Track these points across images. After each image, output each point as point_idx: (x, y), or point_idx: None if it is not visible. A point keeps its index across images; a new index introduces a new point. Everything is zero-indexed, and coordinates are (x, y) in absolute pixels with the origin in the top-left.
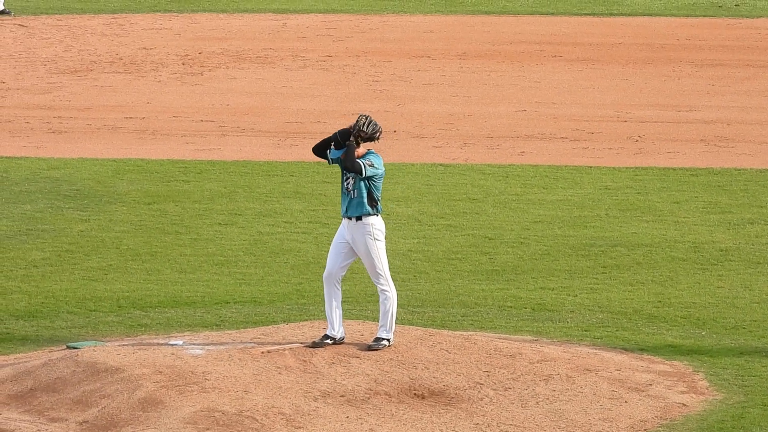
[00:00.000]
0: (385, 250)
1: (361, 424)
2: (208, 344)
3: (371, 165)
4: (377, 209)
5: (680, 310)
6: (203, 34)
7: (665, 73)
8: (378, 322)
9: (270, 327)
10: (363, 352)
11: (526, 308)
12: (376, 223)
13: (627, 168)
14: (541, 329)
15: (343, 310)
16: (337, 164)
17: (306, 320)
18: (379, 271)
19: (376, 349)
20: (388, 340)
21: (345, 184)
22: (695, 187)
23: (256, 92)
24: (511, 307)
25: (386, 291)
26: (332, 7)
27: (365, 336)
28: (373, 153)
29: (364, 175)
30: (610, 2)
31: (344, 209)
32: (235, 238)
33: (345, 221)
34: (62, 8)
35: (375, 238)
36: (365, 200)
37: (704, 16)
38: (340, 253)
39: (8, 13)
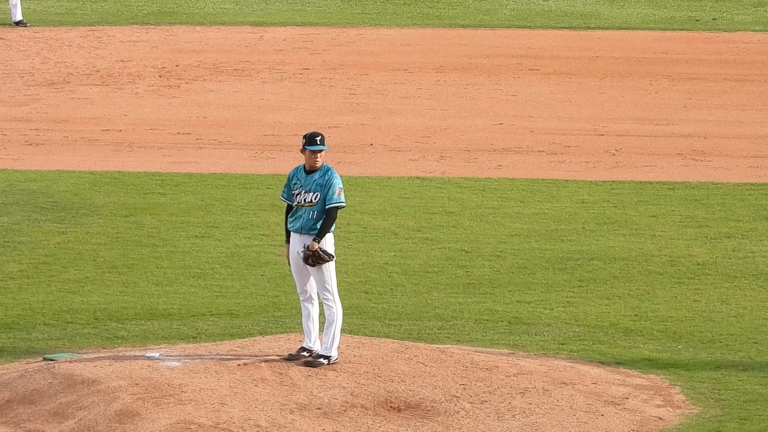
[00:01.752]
0: (334, 267)
1: None
2: (184, 356)
3: (341, 189)
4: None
5: (657, 323)
6: (180, 47)
7: (642, 86)
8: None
9: (246, 339)
10: (339, 365)
11: (502, 321)
12: (329, 238)
13: (604, 182)
14: (518, 342)
15: (320, 323)
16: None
17: (283, 333)
18: (327, 286)
19: (314, 367)
20: (328, 358)
21: (301, 198)
22: (672, 200)
23: (233, 105)
24: (487, 320)
25: (331, 307)
26: (309, 20)
27: (340, 348)
28: (332, 172)
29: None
30: (587, 16)
31: (297, 225)
32: (212, 251)
33: (296, 236)
34: (39, 20)
35: (331, 252)
36: (322, 216)
37: (681, 29)
38: (302, 270)
39: (25, 24)
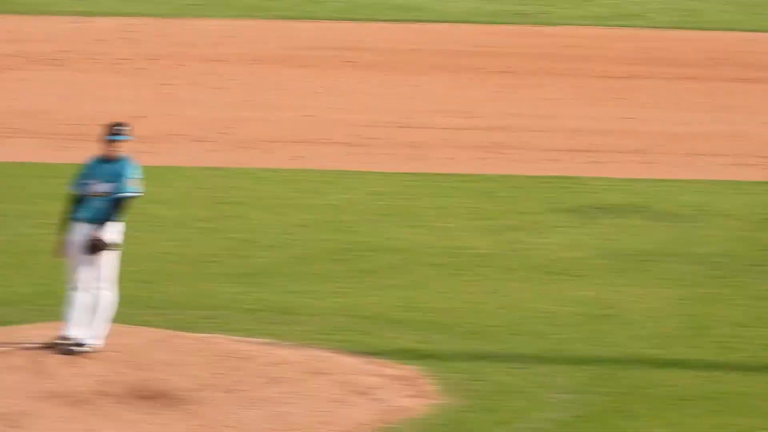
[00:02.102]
0: (116, 256)
1: (79, 425)
2: None
3: (136, 179)
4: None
5: (425, 314)
6: None
7: (455, 80)
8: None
9: (9, 327)
10: (97, 354)
11: (271, 311)
12: (116, 227)
13: (400, 173)
14: (283, 332)
15: (88, 311)
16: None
17: (50, 321)
18: (105, 275)
19: (73, 355)
20: (89, 346)
21: (94, 188)
22: (464, 193)
23: (46, 94)
24: (256, 309)
25: (105, 296)
26: (133, 11)
27: (114, 341)
28: (129, 162)
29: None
30: (413, 8)
31: (87, 215)
32: None
33: (83, 225)
34: None
35: (115, 241)
36: (112, 206)
37: (508, 23)
38: (81, 258)
39: None
